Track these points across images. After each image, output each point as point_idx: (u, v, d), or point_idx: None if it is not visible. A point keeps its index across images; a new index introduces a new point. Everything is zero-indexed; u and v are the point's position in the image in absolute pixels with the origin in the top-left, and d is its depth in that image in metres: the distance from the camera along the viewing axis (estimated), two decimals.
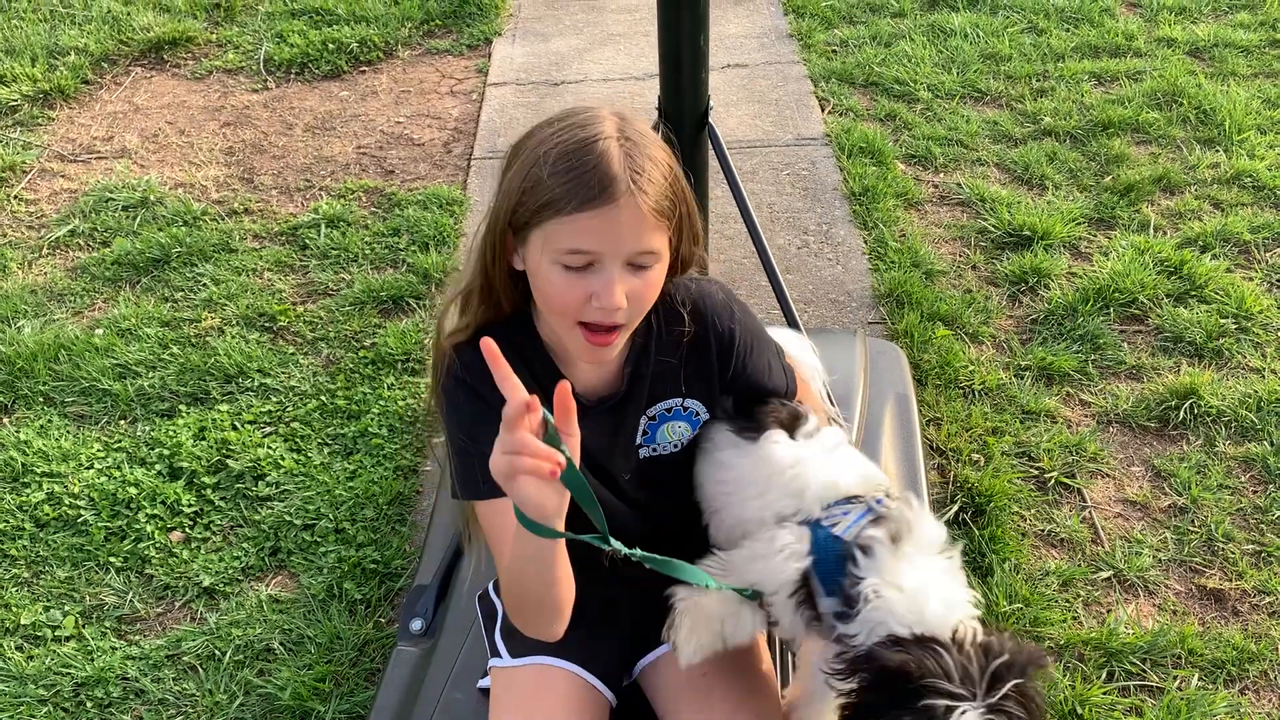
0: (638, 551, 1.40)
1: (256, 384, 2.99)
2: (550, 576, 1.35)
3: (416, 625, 2.13)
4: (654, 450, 1.66)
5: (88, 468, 2.73)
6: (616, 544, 1.33)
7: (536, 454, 1.16)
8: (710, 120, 2.39)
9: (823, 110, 4.28)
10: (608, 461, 1.62)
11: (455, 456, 1.54)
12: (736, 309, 1.64)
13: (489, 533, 1.54)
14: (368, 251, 3.53)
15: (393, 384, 2.97)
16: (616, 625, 1.71)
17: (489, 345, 1.20)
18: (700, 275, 1.63)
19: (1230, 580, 2.39)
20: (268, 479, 2.69)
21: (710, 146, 2.47)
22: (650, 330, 1.58)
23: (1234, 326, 3.08)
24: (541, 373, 1.55)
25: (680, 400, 1.63)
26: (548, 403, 1.51)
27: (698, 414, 1.67)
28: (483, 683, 1.80)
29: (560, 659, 1.64)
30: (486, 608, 1.79)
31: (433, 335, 1.57)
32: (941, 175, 3.87)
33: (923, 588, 1.41)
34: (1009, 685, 1.34)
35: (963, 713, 1.31)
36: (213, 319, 3.24)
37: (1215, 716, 2.09)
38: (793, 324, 2.40)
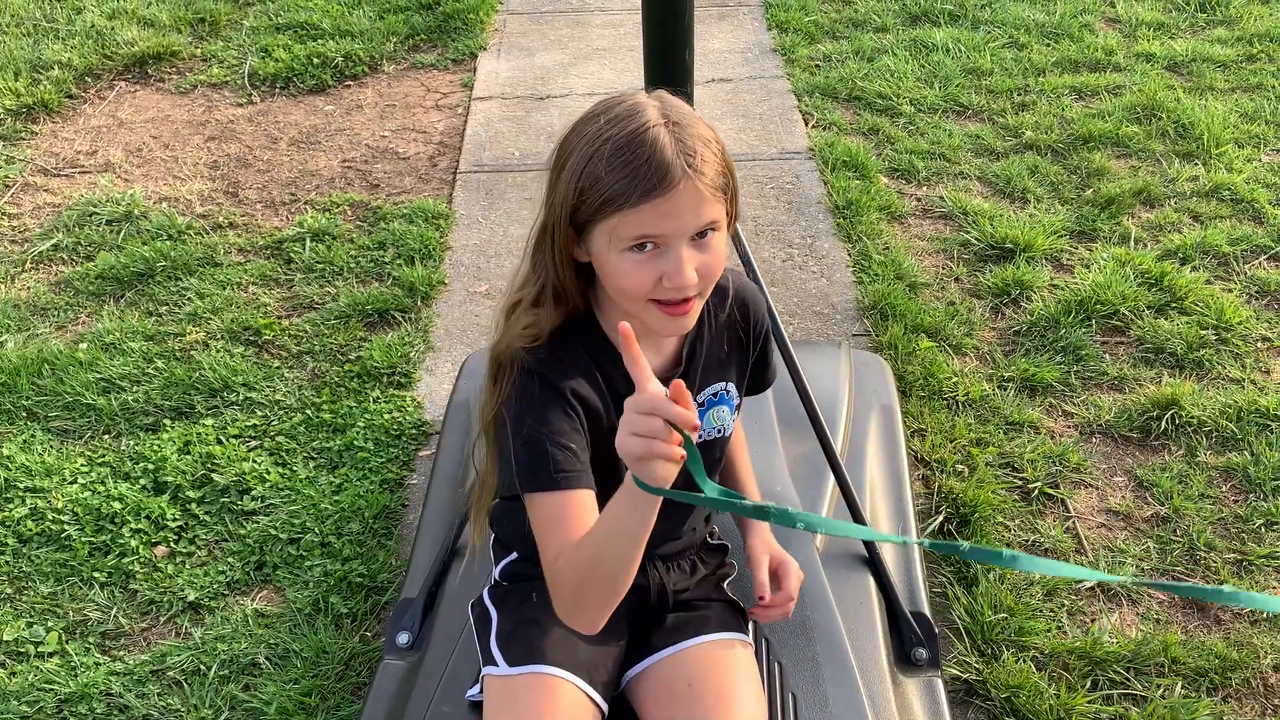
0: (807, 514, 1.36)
1: (241, 398, 2.98)
2: (635, 553, 1.39)
3: (403, 638, 2.13)
4: (704, 436, 1.71)
5: (71, 482, 2.72)
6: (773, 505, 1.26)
7: (670, 440, 1.25)
8: None
9: (806, 125, 4.31)
10: None
11: (521, 449, 1.51)
12: (764, 304, 1.77)
13: (546, 523, 1.50)
14: (353, 265, 3.53)
15: (379, 397, 2.97)
16: (615, 635, 1.70)
17: (626, 330, 1.27)
18: (732, 270, 1.70)
19: None
20: (253, 493, 2.69)
21: None
22: (702, 314, 1.63)
23: (1214, 338, 3.12)
24: (605, 360, 1.58)
25: (724, 385, 1.70)
26: (612, 387, 1.58)
27: (735, 400, 1.74)
28: (471, 694, 1.79)
29: (560, 669, 1.63)
30: (480, 614, 1.78)
31: (492, 345, 1.58)
32: (924, 189, 3.90)
33: None
34: None
35: None
36: (197, 333, 3.23)
37: None
38: (778, 337, 2.41)
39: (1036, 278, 3.37)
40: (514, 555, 1.79)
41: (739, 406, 1.77)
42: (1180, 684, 2.21)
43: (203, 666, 2.29)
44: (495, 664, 1.67)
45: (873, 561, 2.19)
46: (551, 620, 1.62)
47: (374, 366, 3.07)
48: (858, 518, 2.22)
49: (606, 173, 1.38)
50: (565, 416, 1.52)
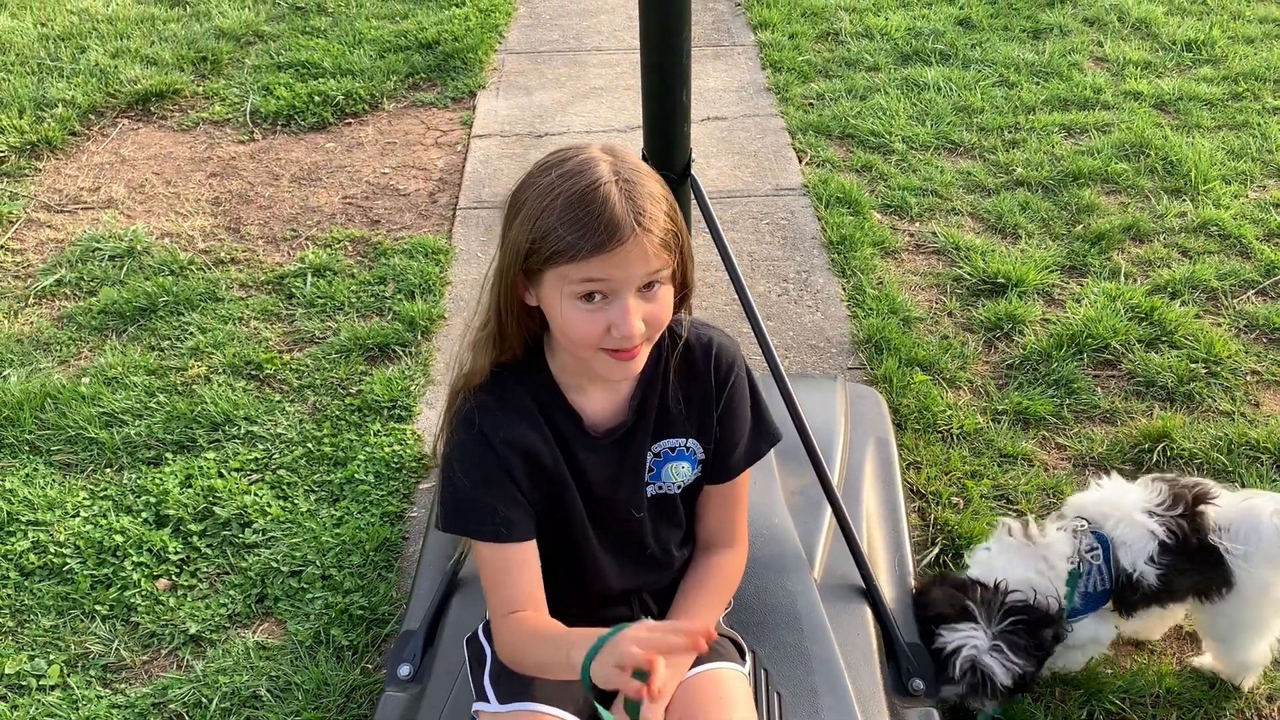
0: None
1: (243, 431, 3.01)
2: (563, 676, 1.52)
3: (405, 670, 2.14)
4: (660, 488, 1.72)
5: (73, 515, 2.74)
6: None
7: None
8: (692, 172, 2.46)
9: (800, 161, 4.38)
10: (615, 492, 1.69)
11: (451, 490, 1.63)
12: (741, 364, 1.73)
13: (489, 572, 1.63)
14: (354, 300, 3.57)
15: (379, 430, 3.00)
16: None
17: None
18: (715, 328, 1.74)
19: None
20: (254, 526, 2.70)
21: (693, 197, 2.53)
22: (656, 362, 1.66)
23: (1204, 371, 3.16)
24: (550, 402, 1.64)
25: (683, 440, 1.70)
26: (556, 430, 1.61)
27: (698, 455, 1.73)
28: None
29: (549, 705, 1.66)
30: (475, 651, 1.81)
31: (452, 377, 1.66)
32: (917, 224, 3.96)
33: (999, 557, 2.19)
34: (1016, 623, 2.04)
35: (972, 629, 2.08)
36: (199, 367, 3.26)
37: None
38: (774, 370, 2.44)
39: (1028, 312, 3.42)
40: None
41: (705, 462, 1.74)
42: (1175, 714, 2.23)
43: (204, 699, 2.30)
44: (487, 700, 1.70)
45: (870, 593, 2.22)
46: None
47: (374, 400, 3.10)
48: (854, 549, 2.25)
49: (559, 225, 1.43)
50: (500, 468, 1.60)
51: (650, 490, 1.72)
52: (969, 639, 2.06)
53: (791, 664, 1.97)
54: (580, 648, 1.41)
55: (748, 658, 1.88)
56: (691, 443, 1.71)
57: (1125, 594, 2.17)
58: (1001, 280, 3.56)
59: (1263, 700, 2.26)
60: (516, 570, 1.62)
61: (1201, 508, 2.14)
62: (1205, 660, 2.32)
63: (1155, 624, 2.36)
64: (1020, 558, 2.17)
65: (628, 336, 1.47)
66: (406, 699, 2.07)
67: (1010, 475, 2.82)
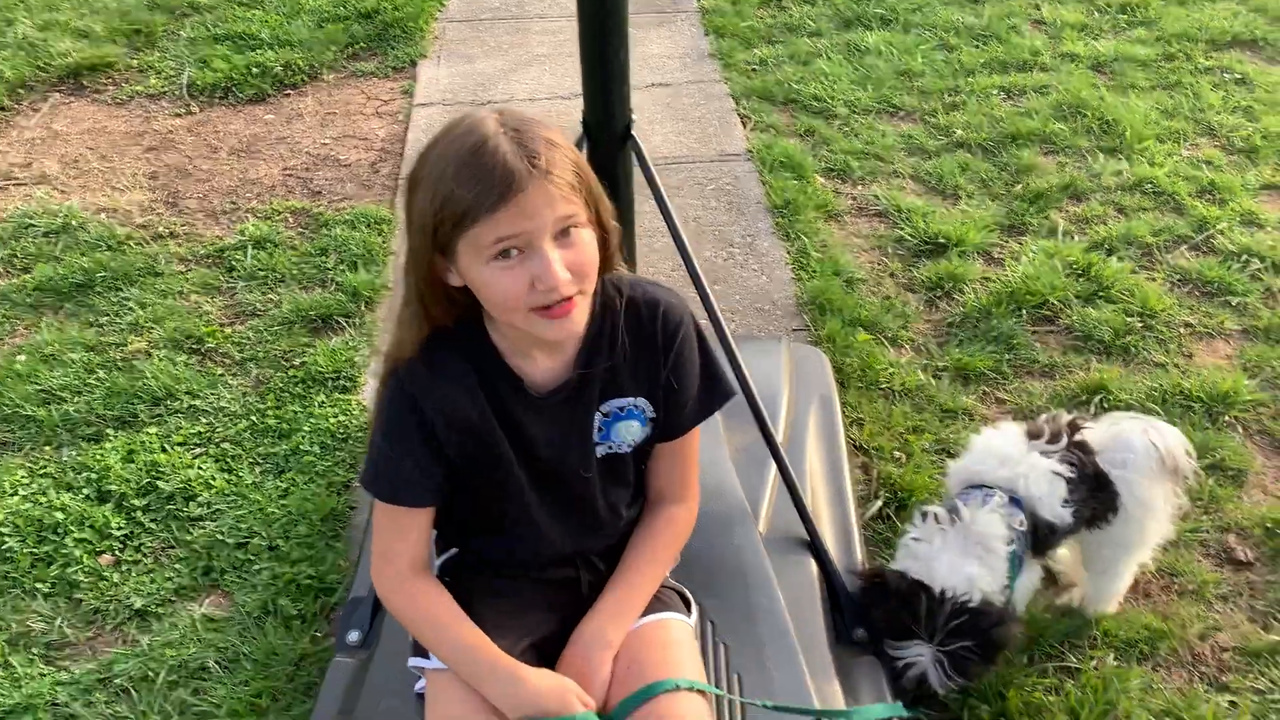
0: None
1: (185, 406, 2.97)
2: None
3: (354, 636, 2.14)
4: (611, 448, 1.72)
5: (11, 494, 2.69)
6: None
7: None
8: (633, 133, 2.45)
9: (744, 127, 4.39)
10: (562, 454, 1.68)
11: (373, 450, 1.64)
12: (688, 322, 1.71)
13: (380, 528, 1.67)
14: (296, 272, 3.53)
15: (324, 402, 2.98)
16: (545, 625, 1.73)
17: None
18: (661, 285, 1.72)
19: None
20: (199, 499, 2.68)
21: (635, 160, 2.53)
22: (601, 322, 1.64)
23: (1139, 324, 3.23)
24: (489, 368, 1.62)
25: (632, 400, 1.69)
26: (495, 395, 1.60)
27: (648, 414, 1.72)
28: (420, 687, 1.81)
29: None
30: None
31: (386, 347, 1.66)
32: (860, 188, 3.99)
33: (939, 553, 2.08)
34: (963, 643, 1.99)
35: (917, 646, 2.03)
36: (139, 342, 3.21)
37: (1129, 692, 2.19)
38: (719, 332, 2.46)
39: (969, 271, 3.47)
40: (453, 551, 1.82)
41: (656, 420, 1.73)
42: (1112, 655, 2.29)
43: (151, 673, 2.28)
44: (427, 656, 1.70)
45: (814, 546, 2.25)
46: (488, 612, 1.67)
47: (319, 371, 3.07)
48: (798, 503, 2.28)
49: (456, 187, 1.41)
50: (418, 433, 1.60)
51: (601, 450, 1.72)
52: (916, 657, 2.03)
53: (737, 615, 2.00)
54: (494, 684, 1.57)
55: (694, 609, 1.89)
56: (641, 401, 1.70)
57: (1044, 539, 2.18)
58: (942, 241, 3.61)
59: (1194, 638, 2.33)
60: (405, 533, 1.65)
61: (1079, 436, 2.20)
62: (1071, 595, 2.37)
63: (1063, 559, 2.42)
64: (959, 549, 2.08)
65: (554, 288, 1.44)
66: (355, 664, 2.07)
67: (951, 430, 2.87)
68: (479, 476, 1.66)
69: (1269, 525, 2.57)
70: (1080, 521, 2.19)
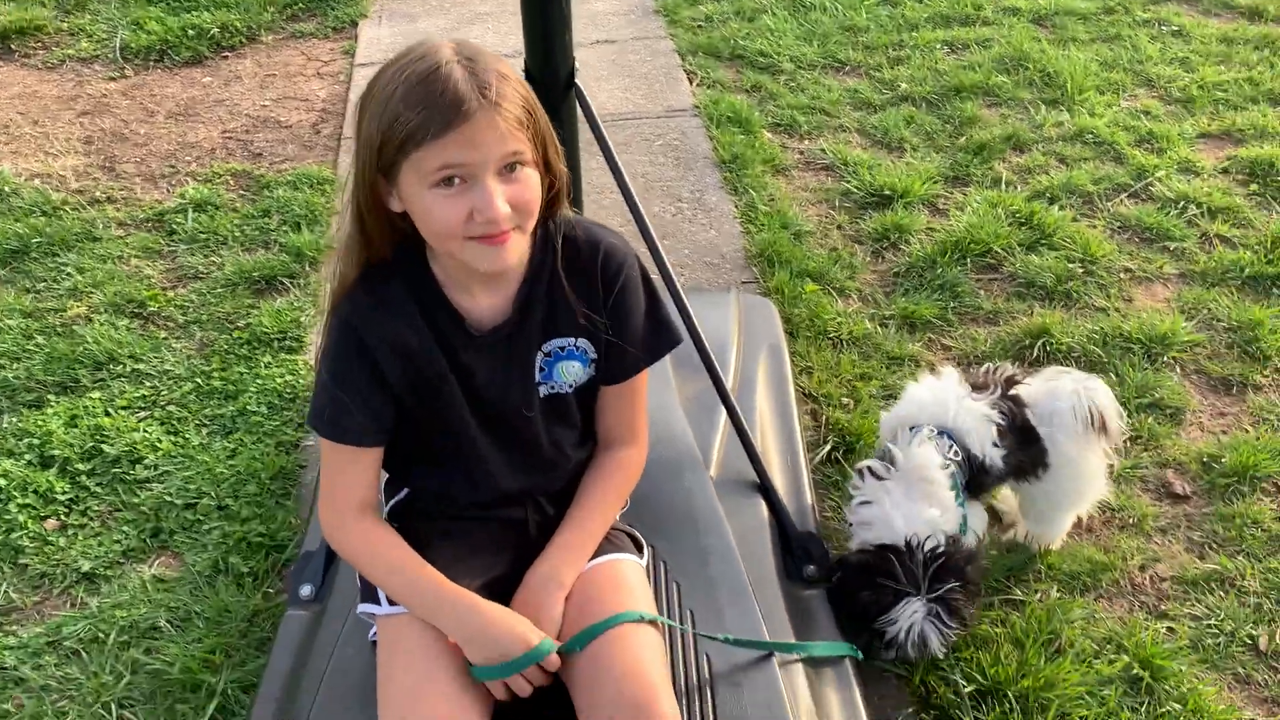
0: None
1: (129, 370, 2.92)
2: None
3: (306, 590, 2.13)
4: (553, 388, 1.72)
5: None
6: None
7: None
8: (577, 82, 2.44)
9: (690, 83, 4.38)
10: (503, 391, 1.68)
11: (319, 388, 1.64)
12: (632, 265, 1.71)
13: (327, 467, 1.68)
14: (238, 234, 3.47)
15: (270, 363, 2.94)
16: (495, 566, 1.73)
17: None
18: (606, 229, 1.72)
19: None
20: (145, 462, 2.64)
21: (579, 110, 2.51)
22: (541, 261, 1.64)
23: (1081, 270, 3.28)
24: (431, 303, 1.62)
25: (573, 340, 1.69)
26: (438, 330, 1.61)
27: (590, 355, 1.73)
28: (374, 634, 1.81)
29: None
30: None
31: (330, 286, 1.64)
32: (806, 142, 4.00)
33: (892, 509, 2.07)
34: (949, 585, 1.98)
35: (908, 603, 1.99)
36: (79, 307, 3.15)
37: (1072, 622, 2.24)
38: (670, 286, 2.46)
39: (914, 222, 3.50)
40: (403, 493, 1.82)
41: (598, 362, 1.74)
42: (1056, 588, 2.34)
43: (101, 634, 2.26)
44: (377, 602, 1.69)
45: (764, 488, 2.28)
46: (437, 555, 1.67)
47: (264, 333, 3.04)
48: (748, 447, 2.30)
49: (405, 109, 1.41)
50: (363, 368, 1.60)
51: (543, 390, 1.72)
52: (911, 616, 1.99)
53: (689, 556, 2.02)
54: (452, 617, 1.59)
55: (645, 551, 1.91)
56: (582, 342, 1.70)
57: (978, 479, 2.20)
58: (888, 193, 3.64)
59: (1135, 569, 2.39)
60: (353, 472, 1.66)
61: (1013, 390, 2.23)
62: (1015, 531, 2.42)
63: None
64: (906, 494, 2.09)
65: (492, 220, 1.44)
66: (309, 617, 2.06)
67: (898, 376, 2.91)
68: (423, 407, 1.66)
69: (1205, 460, 2.64)
70: (1010, 470, 2.22)
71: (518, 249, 1.53)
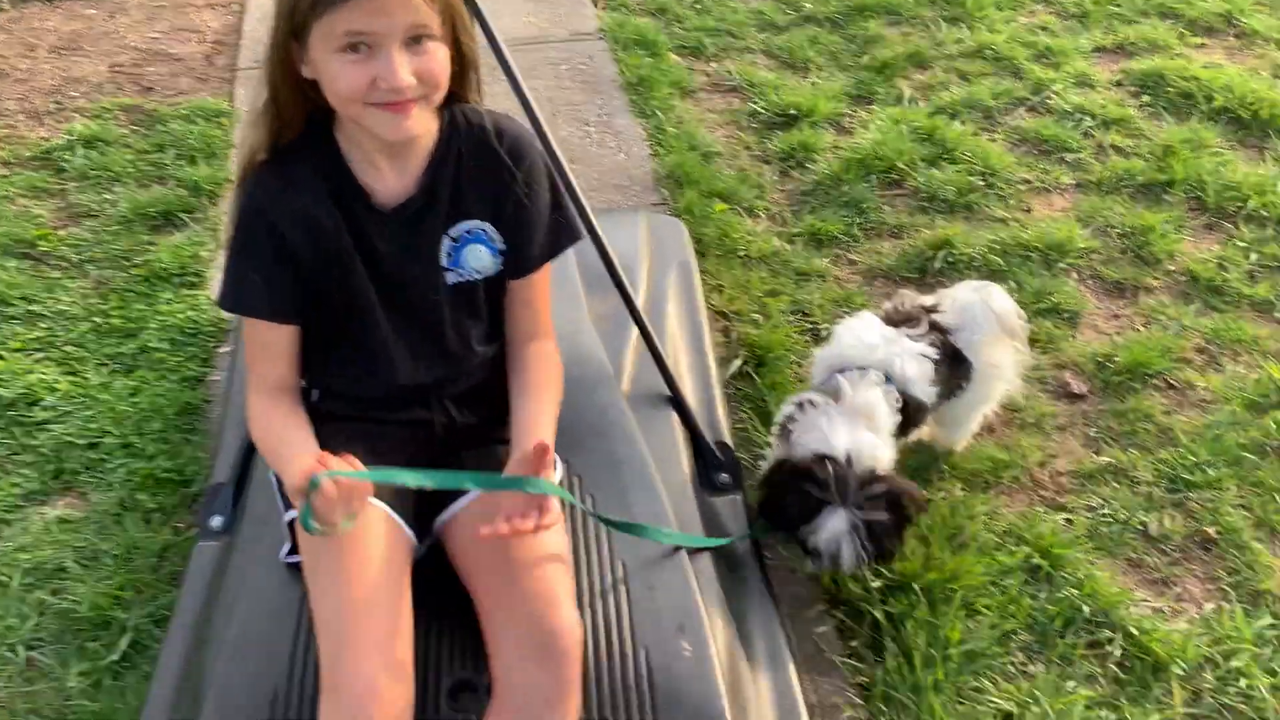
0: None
1: (21, 311, 2.83)
2: None
3: (216, 521, 2.10)
4: (461, 275, 1.72)
5: None
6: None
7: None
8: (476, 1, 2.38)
9: (595, 6, 4.32)
10: (411, 275, 1.69)
11: (226, 266, 1.65)
12: (538, 155, 1.73)
13: (249, 347, 1.71)
14: (131, 170, 3.35)
15: (171, 299, 2.87)
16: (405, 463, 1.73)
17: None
18: (516, 120, 1.74)
19: None
20: (44, 404, 2.57)
21: (480, 32, 2.46)
22: (449, 143, 1.65)
23: (981, 183, 3.35)
24: (337, 179, 1.62)
25: (480, 224, 1.70)
26: (344, 207, 1.61)
27: (498, 245, 1.73)
28: (285, 555, 1.80)
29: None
30: None
31: (239, 150, 1.65)
32: (713, 64, 3.99)
33: (833, 429, 2.04)
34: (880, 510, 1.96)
35: (833, 512, 1.95)
36: None
37: (975, 517, 2.33)
38: (576, 202, 2.44)
39: (820, 140, 3.52)
40: (313, 396, 1.80)
41: (506, 253, 1.73)
42: (959, 486, 2.42)
43: (4, 577, 2.20)
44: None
45: (676, 400, 2.30)
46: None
47: (163, 269, 2.95)
48: (660, 364, 2.31)
49: None
50: (269, 243, 1.60)
51: (451, 278, 1.72)
52: (833, 528, 1.96)
53: (602, 469, 2.03)
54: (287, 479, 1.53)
55: (559, 467, 1.93)
56: (489, 228, 1.71)
57: (912, 419, 2.22)
58: (794, 112, 3.65)
59: (1034, 466, 2.48)
60: (273, 350, 1.66)
61: (934, 318, 2.27)
62: (920, 433, 2.44)
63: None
64: (848, 422, 2.06)
65: (395, 89, 1.46)
66: (220, 547, 2.04)
67: (806, 291, 2.95)
68: (329, 286, 1.66)
69: (1100, 360, 2.74)
70: (942, 397, 2.28)
71: (422, 120, 1.55)
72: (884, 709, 1.97)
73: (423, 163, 1.65)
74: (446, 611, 1.70)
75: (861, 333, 2.26)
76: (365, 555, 1.60)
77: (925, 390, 2.20)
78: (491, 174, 1.68)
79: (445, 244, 1.69)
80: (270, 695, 1.65)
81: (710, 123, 3.67)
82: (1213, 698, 2.02)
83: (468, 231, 1.70)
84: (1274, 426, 2.55)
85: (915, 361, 2.19)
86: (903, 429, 2.22)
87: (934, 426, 2.46)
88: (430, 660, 1.69)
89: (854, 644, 2.09)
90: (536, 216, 1.73)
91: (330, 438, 1.69)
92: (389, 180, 1.64)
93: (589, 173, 3.41)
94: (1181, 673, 2.05)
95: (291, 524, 1.74)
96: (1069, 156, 3.47)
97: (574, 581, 1.72)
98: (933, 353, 2.22)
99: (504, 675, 1.57)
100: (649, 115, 3.68)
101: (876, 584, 2.16)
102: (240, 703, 1.66)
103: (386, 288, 1.68)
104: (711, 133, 3.61)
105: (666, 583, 1.83)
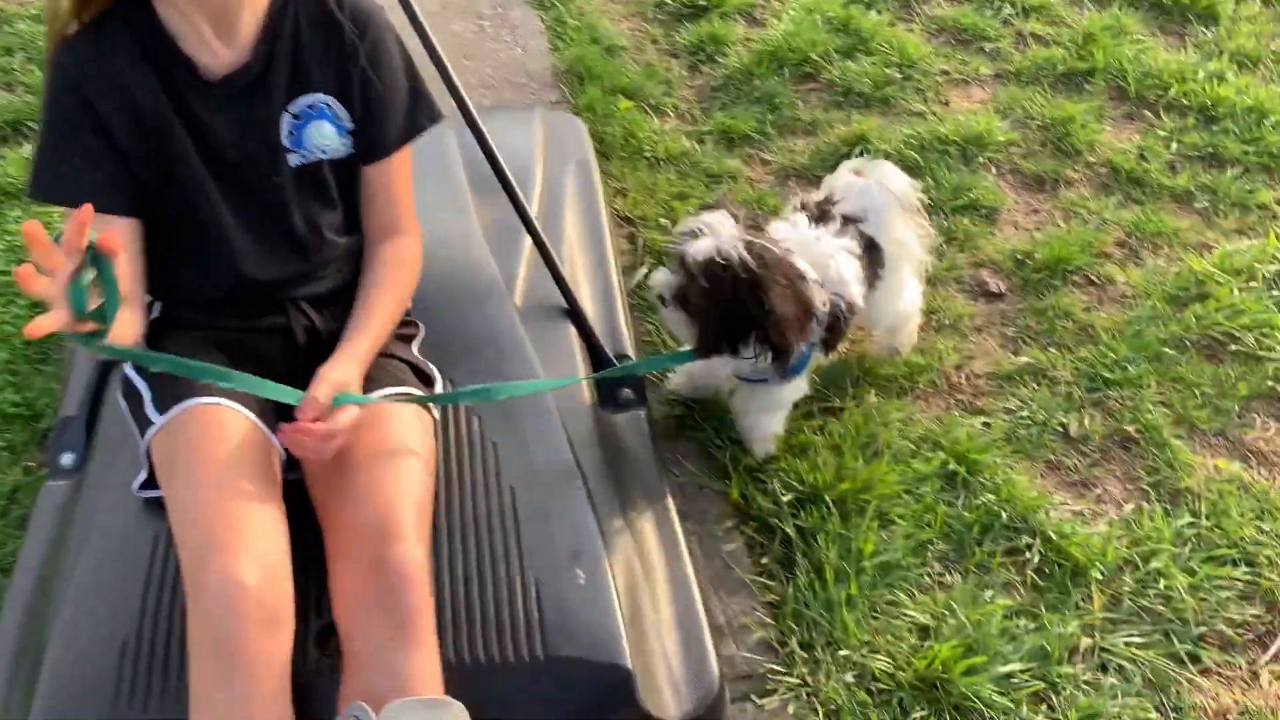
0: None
1: None
2: None
3: (67, 459, 1.90)
4: (305, 156, 1.56)
5: None
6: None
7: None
8: None
9: None
10: (248, 153, 1.53)
11: (38, 151, 1.49)
12: (385, 22, 1.58)
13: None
14: None
15: (21, 216, 2.61)
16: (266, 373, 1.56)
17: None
18: None
19: None
20: None
21: None
22: (284, 9, 1.51)
23: (898, 75, 3.20)
24: (157, 50, 1.46)
25: (323, 97, 1.55)
26: (168, 83, 1.46)
27: (345, 124, 1.58)
28: (138, 489, 1.62)
29: (217, 397, 1.49)
30: (129, 391, 1.60)
31: (47, 30, 1.47)
32: None
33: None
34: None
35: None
36: None
37: (889, 424, 2.22)
38: (465, 113, 2.22)
39: (730, 33, 3.33)
40: (155, 311, 1.62)
41: (355, 134, 1.59)
42: (874, 393, 2.32)
43: None
44: (152, 423, 1.51)
45: (574, 313, 2.14)
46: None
47: (10, 184, 2.69)
48: (555, 273, 2.15)
49: None
50: (86, 121, 1.44)
51: (294, 160, 1.56)
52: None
53: None
54: None
55: (438, 384, 1.77)
56: (333, 103, 1.56)
57: (842, 328, 2.06)
58: (703, 3, 3.45)
59: (951, 369, 2.39)
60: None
61: (841, 211, 2.09)
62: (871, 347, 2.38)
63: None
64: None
65: None
66: (69, 486, 1.85)
67: (717, 193, 2.79)
68: (157, 173, 1.50)
69: (1019, 257, 2.64)
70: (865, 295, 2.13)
71: None
72: (794, 627, 1.87)
73: (254, 31, 1.49)
74: (313, 554, 1.54)
75: (794, 238, 2.02)
76: (226, 456, 1.44)
77: (858, 291, 2.04)
78: (331, 39, 1.53)
79: (286, 121, 1.53)
80: (119, 643, 1.49)
81: (614, 14, 3.45)
82: (1132, 600, 1.96)
83: (310, 106, 1.54)
84: (1194, 320, 2.48)
85: (850, 263, 2.02)
86: (830, 344, 2.07)
87: (871, 334, 2.33)
88: (298, 604, 1.54)
89: (764, 561, 1.99)
90: (388, 93, 1.58)
91: (182, 346, 1.53)
92: (219, 52, 1.48)
93: (483, 69, 3.19)
94: (1100, 576, 1.98)
95: (149, 451, 1.56)
96: (988, 46, 3.33)
97: (428, 510, 1.56)
98: (856, 248, 2.07)
99: (344, 616, 1.42)
100: (548, 7, 3.45)
101: (787, 497, 2.05)
102: (86, 649, 1.51)
103: (219, 166, 1.52)
104: (615, 25, 3.40)
105: (559, 507, 1.70)
